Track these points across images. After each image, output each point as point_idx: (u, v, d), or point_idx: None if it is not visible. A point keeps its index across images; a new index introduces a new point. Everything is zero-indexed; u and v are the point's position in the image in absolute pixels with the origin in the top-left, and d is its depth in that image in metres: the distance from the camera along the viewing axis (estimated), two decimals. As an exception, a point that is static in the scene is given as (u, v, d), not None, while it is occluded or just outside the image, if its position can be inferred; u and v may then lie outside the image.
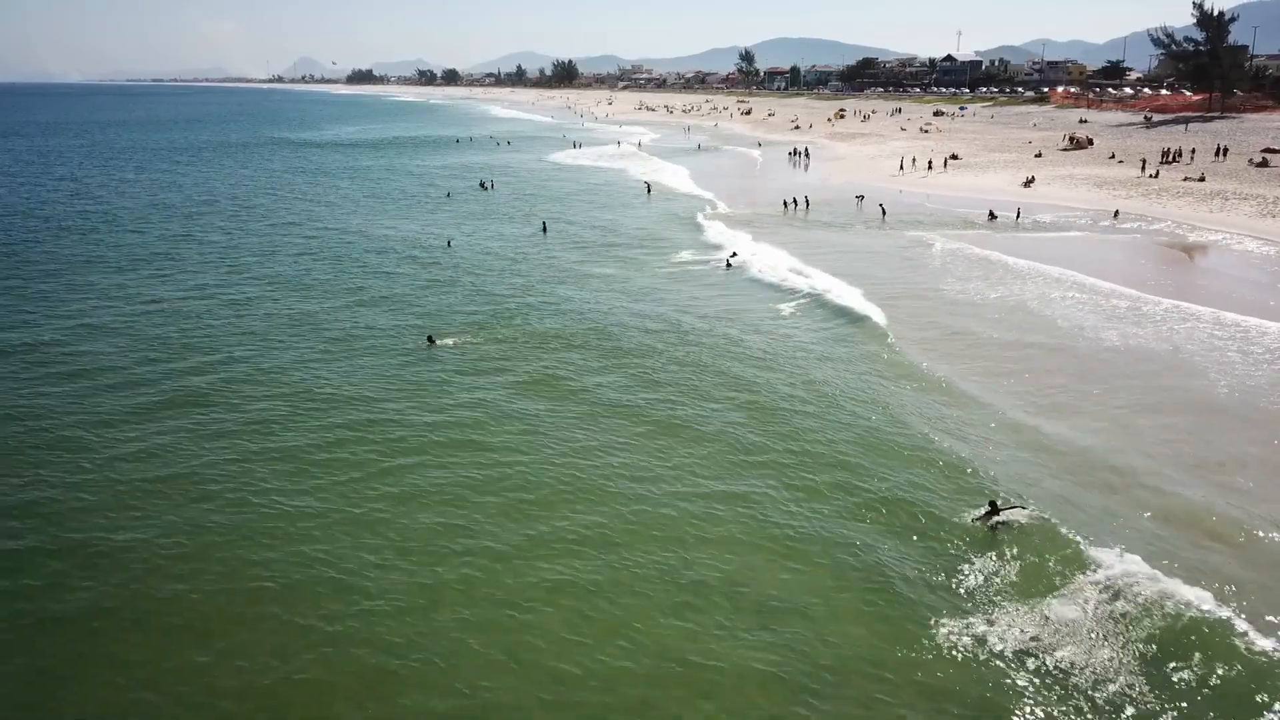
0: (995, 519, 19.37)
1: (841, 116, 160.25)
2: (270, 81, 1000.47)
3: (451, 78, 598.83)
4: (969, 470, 21.89)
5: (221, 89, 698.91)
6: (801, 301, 38.99)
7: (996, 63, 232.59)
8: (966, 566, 18.04)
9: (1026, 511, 19.65)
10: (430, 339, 32.47)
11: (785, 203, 65.51)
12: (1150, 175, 71.48)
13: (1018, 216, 58.76)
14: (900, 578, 17.68)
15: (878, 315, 35.57)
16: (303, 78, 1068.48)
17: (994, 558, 18.28)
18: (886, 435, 24.10)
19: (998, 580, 17.57)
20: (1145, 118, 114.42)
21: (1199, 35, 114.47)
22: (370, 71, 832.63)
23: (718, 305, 38.54)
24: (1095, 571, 17.45)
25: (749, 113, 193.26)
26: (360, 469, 22.52)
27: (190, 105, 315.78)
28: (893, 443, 23.61)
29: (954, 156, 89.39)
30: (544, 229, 56.76)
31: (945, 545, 18.87)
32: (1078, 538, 18.59)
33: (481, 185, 79.18)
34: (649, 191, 74.91)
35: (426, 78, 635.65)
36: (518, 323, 35.58)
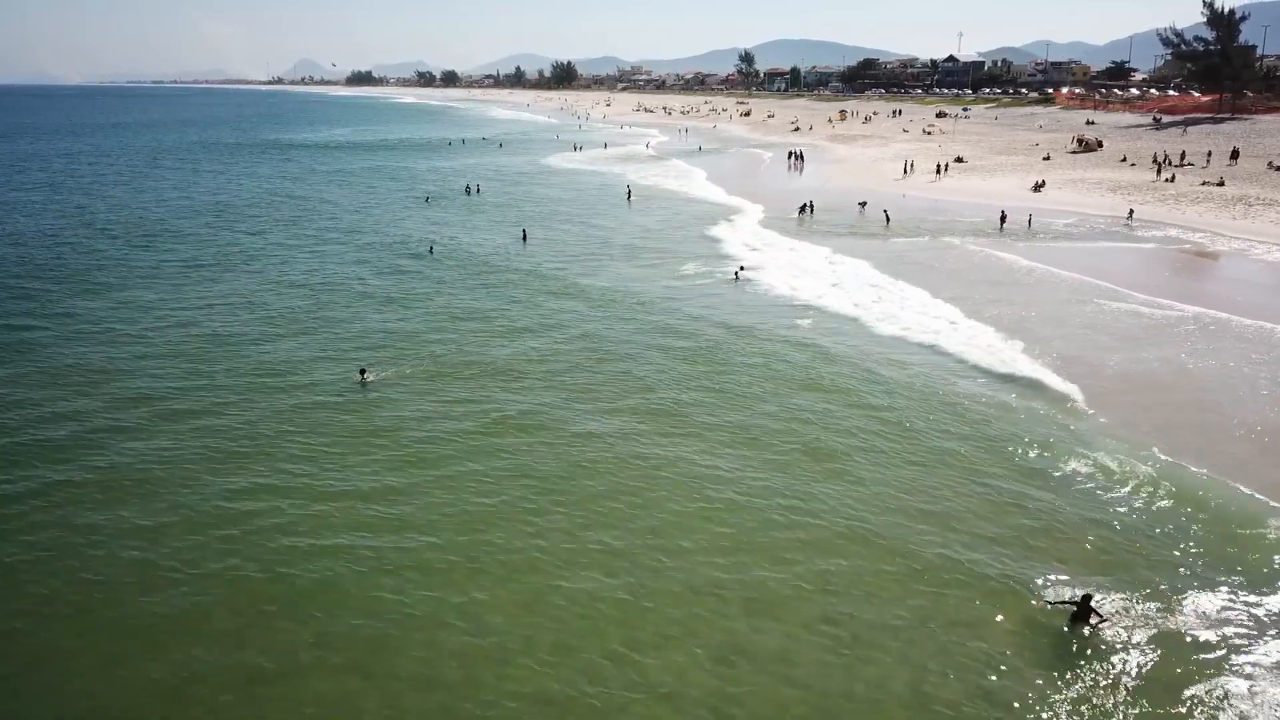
0: (1091, 622, 15.92)
1: (843, 118, 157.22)
2: (270, 83, 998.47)
3: (450, 79, 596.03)
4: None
5: (221, 90, 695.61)
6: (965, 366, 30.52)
7: (999, 63, 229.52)
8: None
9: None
10: (362, 373, 28.42)
11: (802, 208, 62.49)
12: (1166, 179, 68.38)
13: (1029, 223, 55.60)
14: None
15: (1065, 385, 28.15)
16: (302, 79, 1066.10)
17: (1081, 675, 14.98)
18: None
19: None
20: (1154, 119, 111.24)
21: (1209, 35, 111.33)
22: (370, 73, 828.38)
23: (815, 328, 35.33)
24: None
25: (748, 114, 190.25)
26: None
27: (188, 107, 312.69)
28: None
29: (959, 159, 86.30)
30: (524, 237, 53.49)
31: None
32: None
33: (467, 190, 76.00)
34: (629, 196, 71.53)
35: (425, 79, 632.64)
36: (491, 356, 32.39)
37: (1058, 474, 21.82)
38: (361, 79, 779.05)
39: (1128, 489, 20.92)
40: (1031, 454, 22.91)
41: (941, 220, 58.46)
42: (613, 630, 16.10)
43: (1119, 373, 28.76)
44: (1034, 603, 16.68)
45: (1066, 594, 16.64)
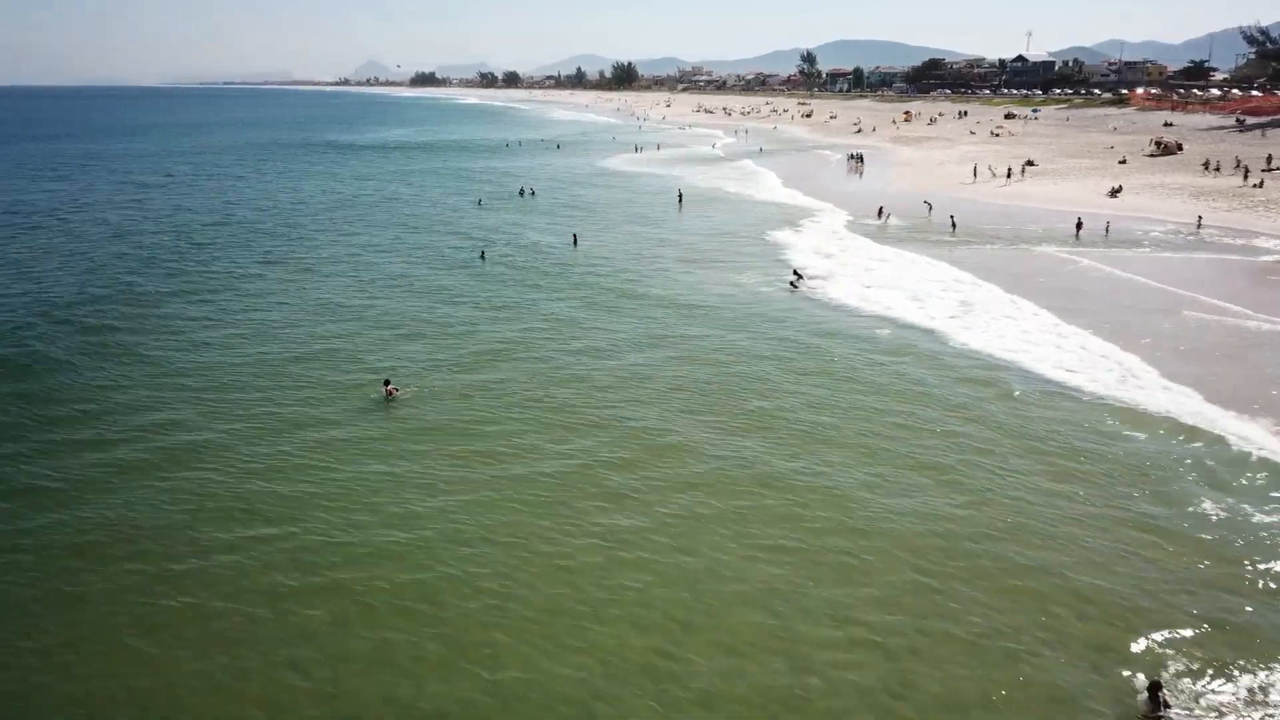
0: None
1: (907, 119, 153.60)
2: (336, 84, 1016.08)
3: (512, 80, 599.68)
4: None
5: (287, 91, 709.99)
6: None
7: (1070, 63, 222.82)
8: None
9: None
10: (387, 385, 26.77)
11: (880, 211, 60.23)
12: (1255, 185, 64.57)
13: (1107, 230, 52.57)
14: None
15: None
16: (368, 80, 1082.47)
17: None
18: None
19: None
20: (1238, 120, 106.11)
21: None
22: (433, 74, 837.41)
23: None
24: None
25: (810, 115, 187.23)
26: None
27: (255, 107, 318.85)
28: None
29: (1029, 163, 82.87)
30: (575, 241, 52.15)
31: None
32: None
33: (521, 193, 74.98)
34: (681, 201, 69.43)
35: (487, 80, 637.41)
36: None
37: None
38: (425, 80, 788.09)
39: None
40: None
41: (1012, 227, 55.63)
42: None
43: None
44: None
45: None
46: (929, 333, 33.60)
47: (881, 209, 59.80)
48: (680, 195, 71.08)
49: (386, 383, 26.88)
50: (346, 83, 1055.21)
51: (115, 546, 18.73)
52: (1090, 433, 24.26)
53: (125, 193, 75.41)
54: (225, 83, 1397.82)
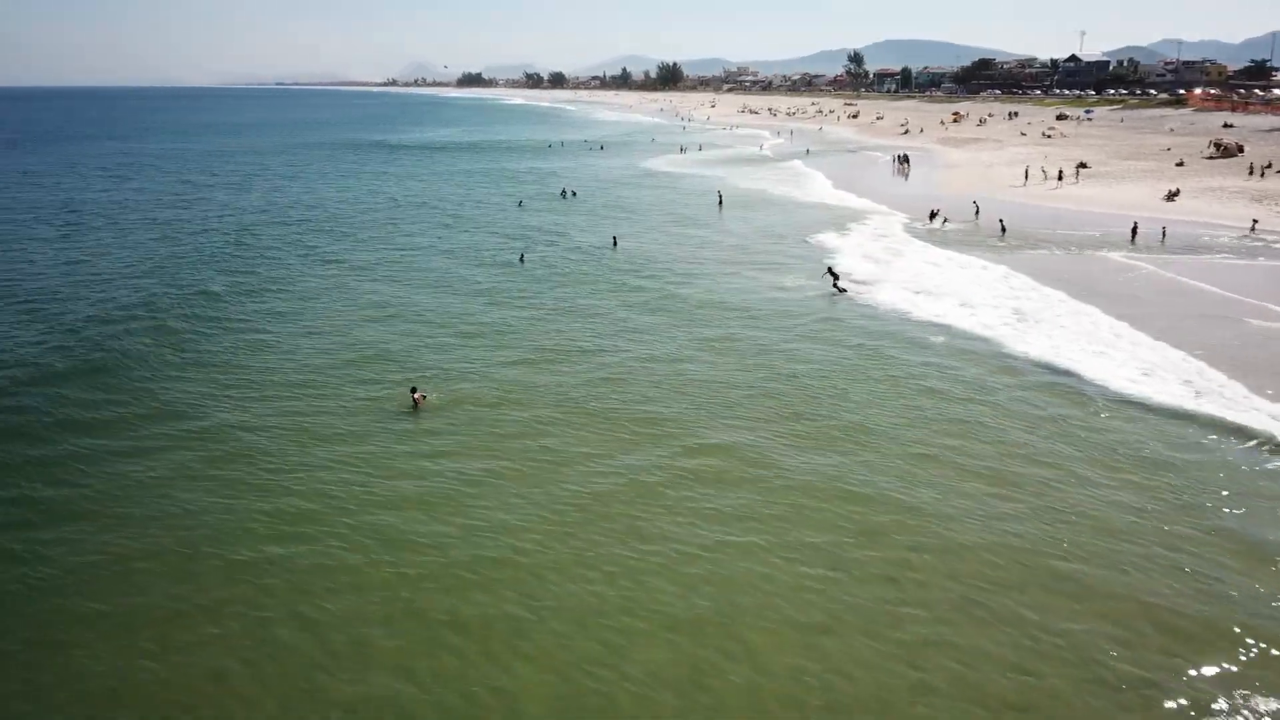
0: None
1: (956, 120, 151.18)
2: (384, 84, 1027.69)
3: (558, 80, 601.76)
4: None
5: (339, 92, 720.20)
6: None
7: (1125, 63, 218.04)
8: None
9: None
10: (414, 393, 26.02)
11: (932, 214, 58.98)
12: (1318, 188, 62.26)
13: (1164, 236, 50.82)
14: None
15: None
16: (416, 81, 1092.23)
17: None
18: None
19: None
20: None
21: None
22: (480, 75, 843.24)
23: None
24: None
25: (856, 116, 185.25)
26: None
27: (309, 109, 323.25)
28: None
29: (1082, 165, 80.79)
30: (614, 244, 51.76)
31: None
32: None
33: (562, 194, 74.68)
34: (721, 203, 68.52)
35: (533, 80, 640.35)
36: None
37: None
38: (472, 80, 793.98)
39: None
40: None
41: (1064, 231, 54.00)
42: None
43: None
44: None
45: None
46: (985, 339, 32.54)
47: (936, 212, 58.45)
48: (720, 197, 70.20)
49: (413, 390, 26.15)
50: (394, 83, 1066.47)
51: (158, 556, 18.52)
52: (1164, 443, 23.26)
53: (178, 192, 76.56)
54: (277, 83, 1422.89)
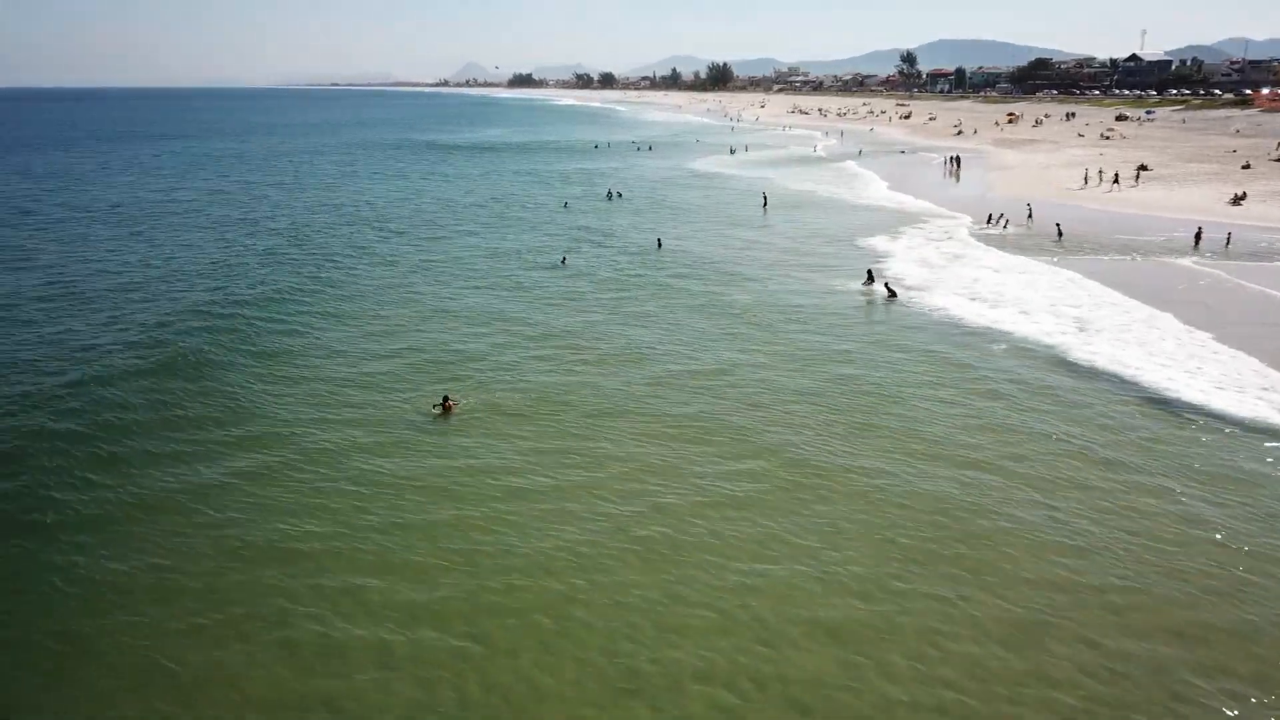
0: None
1: (1011, 120, 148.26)
2: (436, 85, 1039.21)
3: (607, 81, 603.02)
4: None
5: (392, 92, 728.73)
6: None
7: (1188, 62, 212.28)
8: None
9: None
10: (445, 402, 25.39)
11: (990, 218, 57.66)
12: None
13: (1227, 243, 48.96)
14: None
15: None
16: (467, 81, 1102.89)
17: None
18: None
19: None
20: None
21: None
22: (530, 75, 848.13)
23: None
24: None
25: (908, 116, 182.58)
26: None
27: (364, 109, 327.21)
28: None
29: (1143, 167, 78.52)
30: (659, 245, 51.29)
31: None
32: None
33: (608, 195, 74.35)
34: (765, 204, 67.70)
35: (583, 81, 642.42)
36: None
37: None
38: (522, 81, 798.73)
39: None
40: None
41: (1127, 237, 52.16)
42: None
43: None
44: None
45: None
46: (1049, 347, 31.55)
47: (1000, 216, 57.04)
48: (765, 198, 69.41)
49: (445, 399, 25.54)
50: (446, 83, 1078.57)
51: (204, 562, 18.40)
52: (1249, 458, 22.27)
53: (232, 191, 77.61)
54: (332, 84, 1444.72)
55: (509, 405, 26.29)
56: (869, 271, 41.24)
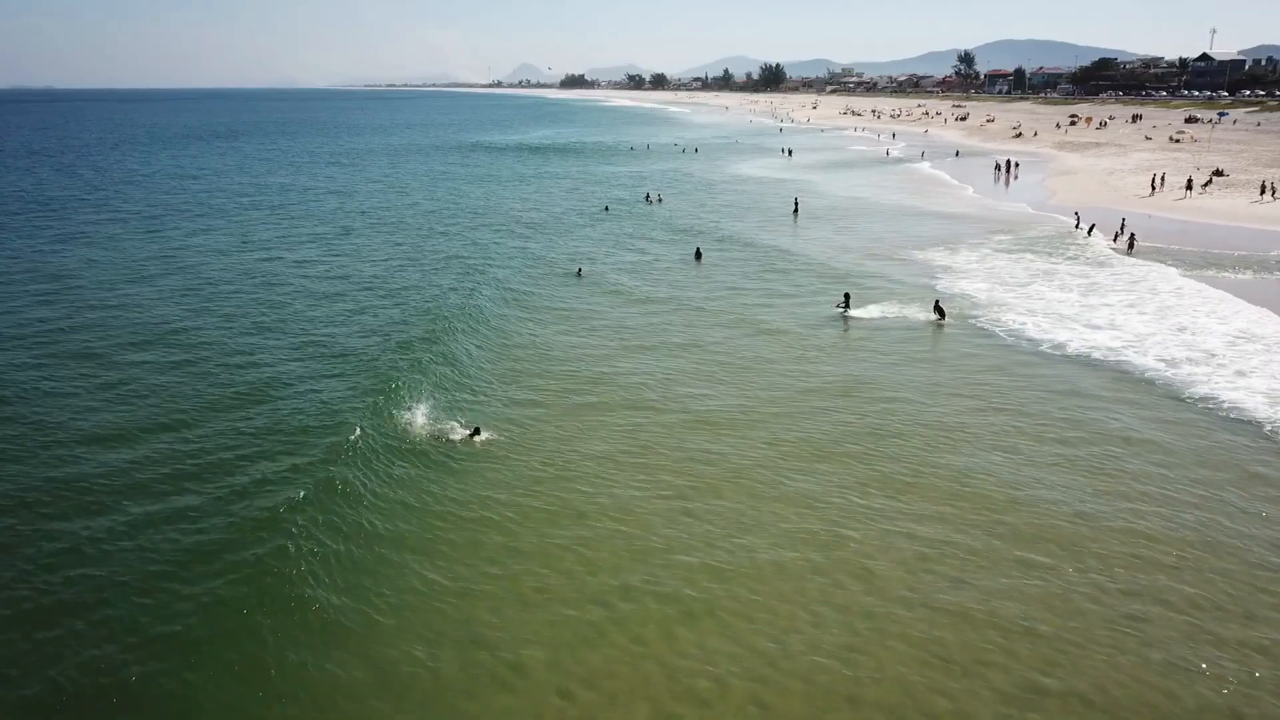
0: None
1: (1074, 123, 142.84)
2: (490, 86, 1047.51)
3: (659, 82, 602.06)
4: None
5: (447, 94, 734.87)
6: None
7: (1264, 61, 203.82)
8: None
9: None
10: (476, 432, 23.26)
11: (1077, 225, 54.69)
12: None
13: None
14: None
15: None
16: (520, 83, 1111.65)
17: None
18: None
19: None
20: None
21: None
22: (583, 76, 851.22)
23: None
24: None
25: (964, 119, 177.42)
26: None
27: (419, 111, 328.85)
28: None
29: (1218, 172, 73.80)
30: (698, 256, 48.28)
31: None
32: None
33: (647, 198, 71.68)
34: (796, 211, 64.50)
35: (635, 82, 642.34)
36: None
37: None
38: (575, 82, 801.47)
39: None
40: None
41: (1196, 250, 47.89)
42: None
43: None
44: None
45: None
46: (1150, 381, 28.00)
47: (1086, 224, 53.65)
48: (796, 204, 66.27)
49: (476, 430, 23.29)
50: (499, 85, 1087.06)
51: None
52: None
53: (283, 191, 76.63)
54: (389, 85, 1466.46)
55: (528, 434, 23.88)
56: (937, 304, 37.02)
